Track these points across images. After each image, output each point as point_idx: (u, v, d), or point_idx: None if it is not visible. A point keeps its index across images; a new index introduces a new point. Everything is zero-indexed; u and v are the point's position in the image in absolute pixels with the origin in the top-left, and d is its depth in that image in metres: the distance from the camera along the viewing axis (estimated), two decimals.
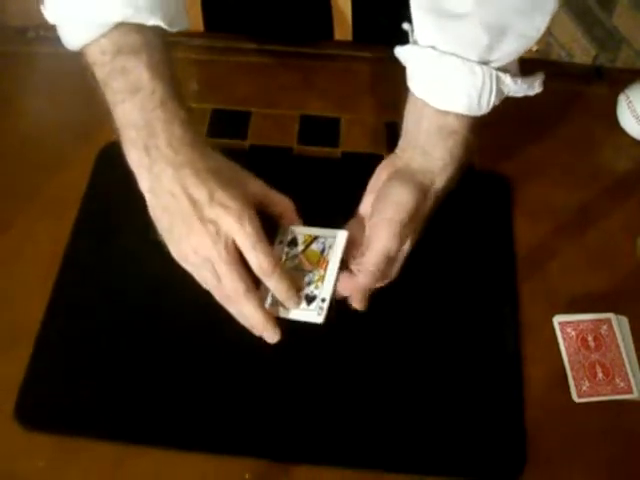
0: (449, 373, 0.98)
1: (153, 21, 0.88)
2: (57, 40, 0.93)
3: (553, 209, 1.12)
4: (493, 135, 1.08)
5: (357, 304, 0.92)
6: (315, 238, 0.94)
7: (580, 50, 2.35)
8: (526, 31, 0.89)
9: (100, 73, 0.89)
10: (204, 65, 1.29)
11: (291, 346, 0.92)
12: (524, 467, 0.92)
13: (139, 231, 1.05)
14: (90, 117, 1.18)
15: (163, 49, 0.91)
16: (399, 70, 0.98)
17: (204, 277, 0.88)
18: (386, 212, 0.92)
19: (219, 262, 0.85)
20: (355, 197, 1.00)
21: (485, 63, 0.90)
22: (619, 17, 2.16)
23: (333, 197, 1.05)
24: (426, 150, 0.94)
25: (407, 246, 0.93)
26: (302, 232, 0.95)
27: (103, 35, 0.87)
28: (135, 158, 0.89)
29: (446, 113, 0.93)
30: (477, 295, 1.04)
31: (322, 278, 0.92)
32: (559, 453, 0.93)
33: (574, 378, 0.97)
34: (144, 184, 0.90)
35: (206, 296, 0.90)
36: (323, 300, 0.90)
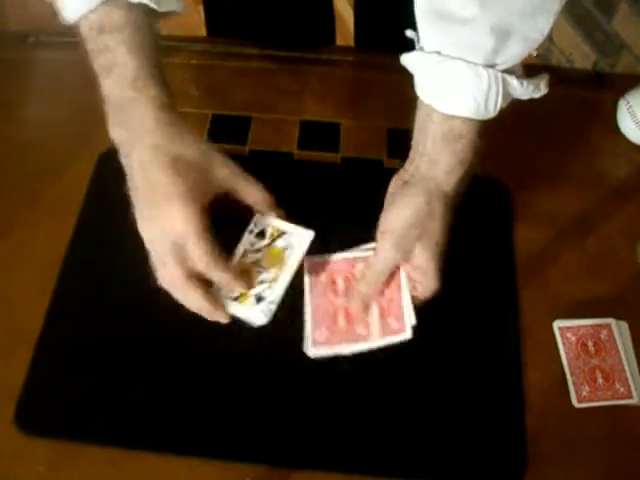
0: (450, 378, 0.98)
1: None
2: (57, 46, 0.93)
3: (553, 214, 1.12)
4: (493, 141, 1.08)
5: (353, 307, 0.93)
6: (282, 234, 0.94)
7: (580, 55, 2.35)
8: (530, 33, 0.89)
9: (88, 49, 0.90)
10: (204, 70, 1.29)
11: (291, 351, 0.92)
12: (524, 472, 0.92)
13: (138, 235, 1.05)
14: (90, 122, 1.18)
15: (147, 29, 0.91)
16: (399, 76, 0.97)
17: (155, 253, 0.88)
18: (384, 225, 0.92)
19: (164, 253, 0.86)
20: (355, 202, 1.00)
21: (491, 66, 0.90)
22: (619, 22, 2.16)
23: (333, 202, 1.05)
24: (432, 157, 0.93)
25: (427, 252, 0.92)
26: (273, 225, 0.94)
27: (92, 10, 0.88)
28: (112, 133, 0.90)
29: (453, 118, 0.92)
30: (478, 300, 1.04)
31: (276, 279, 0.91)
32: (559, 458, 0.93)
33: (574, 383, 0.97)
34: (122, 159, 0.90)
35: None
36: (271, 302, 0.89)
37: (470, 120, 0.92)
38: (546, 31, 0.89)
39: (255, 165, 1.15)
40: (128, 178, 0.90)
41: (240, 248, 0.92)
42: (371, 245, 0.95)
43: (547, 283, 1.06)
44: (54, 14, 0.92)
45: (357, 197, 1.01)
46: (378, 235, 0.93)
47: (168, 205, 0.85)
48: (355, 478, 0.92)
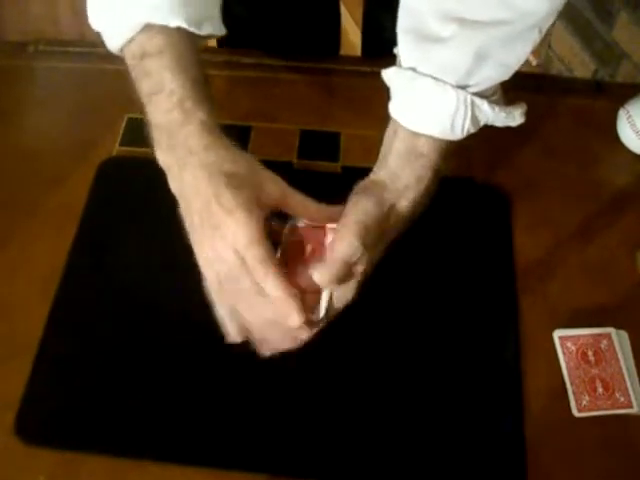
0: (449, 386, 0.98)
1: (176, 22, 0.89)
2: (56, 55, 0.94)
3: (553, 223, 1.12)
4: (493, 149, 1.09)
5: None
6: None
7: (580, 64, 2.35)
8: (507, 59, 0.89)
9: (133, 76, 0.91)
10: None
11: (288, 361, 0.92)
12: None
13: (138, 245, 1.05)
14: (90, 131, 1.19)
15: (188, 51, 0.91)
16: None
17: (217, 274, 0.87)
18: (349, 218, 0.90)
19: (226, 270, 0.84)
20: None
21: (462, 87, 0.90)
22: (619, 31, 2.16)
23: None
24: (394, 172, 0.93)
25: (364, 265, 0.89)
26: None
27: (132, 39, 0.89)
28: (160, 158, 0.90)
29: (417, 135, 0.92)
30: (477, 309, 1.04)
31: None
32: (559, 467, 0.93)
33: (574, 392, 0.97)
34: (170, 183, 0.90)
35: (206, 311, 0.90)
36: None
37: (434, 140, 0.92)
38: (522, 59, 0.90)
39: None
40: (180, 202, 0.89)
41: None
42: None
43: (547, 292, 1.06)
44: (53, 23, 0.92)
45: None
46: (340, 227, 0.90)
47: (229, 216, 0.83)
48: None
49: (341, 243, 0.88)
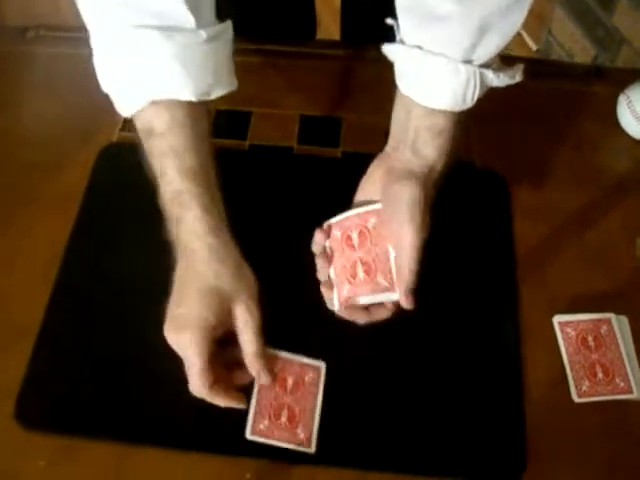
0: (449, 374, 0.98)
1: (185, 96, 0.91)
2: (56, 40, 0.93)
3: (553, 209, 1.12)
4: (493, 135, 1.09)
5: (409, 305, 0.91)
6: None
7: (580, 50, 2.35)
8: (505, 28, 0.90)
9: (143, 146, 0.95)
10: None
11: (292, 346, 0.92)
12: (524, 467, 0.92)
13: (139, 231, 1.05)
14: (90, 117, 1.18)
15: (193, 130, 0.93)
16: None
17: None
18: (403, 213, 0.92)
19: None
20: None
21: (468, 61, 0.91)
22: (619, 17, 2.16)
23: (333, 197, 1.05)
24: (417, 148, 0.95)
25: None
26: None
27: (142, 110, 0.92)
28: (168, 232, 0.94)
29: (433, 112, 0.94)
30: (477, 295, 1.04)
31: None
32: (559, 453, 0.93)
33: (574, 378, 0.97)
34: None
35: None
36: None
37: (450, 113, 0.94)
38: (519, 24, 0.90)
39: (255, 160, 1.16)
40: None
41: None
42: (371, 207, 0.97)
43: (547, 278, 1.06)
44: (54, 9, 0.92)
45: None
46: (398, 226, 0.92)
47: (189, 330, 0.88)
48: (354, 473, 0.92)
49: (410, 241, 0.91)
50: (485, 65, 0.93)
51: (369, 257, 0.94)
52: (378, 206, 0.96)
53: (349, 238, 0.96)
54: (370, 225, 0.95)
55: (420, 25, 0.92)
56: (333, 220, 0.98)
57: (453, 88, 0.92)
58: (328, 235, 0.97)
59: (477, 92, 0.93)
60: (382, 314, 0.94)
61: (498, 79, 0.94)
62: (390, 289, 0.92)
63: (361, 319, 0.95)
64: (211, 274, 0.89)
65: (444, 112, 0.94)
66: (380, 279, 0.93)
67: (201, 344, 0.86)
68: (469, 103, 0.94)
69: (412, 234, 0.91)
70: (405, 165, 0.95)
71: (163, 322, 0.89)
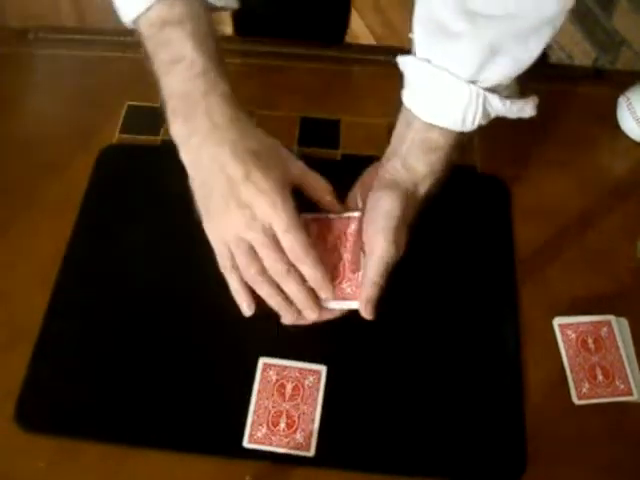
0: (449, 375, 0.98)
1: None
2: (56, 42, 0.93)
3: (553, 211, 1.12)
4: (493, 137, 1.08)
5: (368, 315, 0.92)
6: None
7: (580, 52, 2.35)
8: (519, 55, 0.90)
9: (149, 46, 0.92)
10: None
11: (290, 349, 0.92)
12: (524, 469, 0.91)
13: (138, 232, 1.05)
14: (90, 118, 1.18)
15: (208, 22, 0.93)
16: (399, 73, 0.98)
17: (231, 255, 0.89)
18: (378, 222, 0.93)
19: (257, 245, 0.87)
20: None
21: (474, 82, 0.91)
22: (619, 19, 2.16)
23: None
24: (408, 162, 0.96)
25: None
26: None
27: (151, 7, 0.90)
28: (175, 128, 0.91)
29: (432, 127, 0.94)
30: (477, 297, 1.04)
31: None
32: (559, 455, 0.93)
33: (574, 380, 0.97)
34: (184, 156, 0.91)
35: (207, 297, 0.90)
36: None
37: (448, 131, 0.94)
38: (536, 54, 0.90)
39: None
40: (193, 175, 0.91)
41: None
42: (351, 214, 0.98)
43: (547, 280, 1.06)
44: (54, 11, 0.92)
45: None
46: (372, 233, 0.93)
47: (261, 197, 0.86)
48: (354, 475, 0.91)
49: (378, 251, 0.92)
50: (492, 89, 0.92)
51: (340, 263, 0.95)
52: (358, 214, 0.97)
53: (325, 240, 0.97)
54: (349, 231, 0.96)
55: (432, 39, 0.92)
56: (310, 216, 0.98)
57: (453, 105, 0.92)
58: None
59: (479, 115, 0.92)
60: (325, 315, 0.95)
61: (504, 107, 0.93)
62: (351, 298, 0.94)
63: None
64: (253, 136, 0.91)
65: (442, 130, 0.94)
66: (345, 286, 0.94)
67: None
68: (469, 125, 0.93)
69: (382, 246, 0.91)
70: (393, 176, 0.96)
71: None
